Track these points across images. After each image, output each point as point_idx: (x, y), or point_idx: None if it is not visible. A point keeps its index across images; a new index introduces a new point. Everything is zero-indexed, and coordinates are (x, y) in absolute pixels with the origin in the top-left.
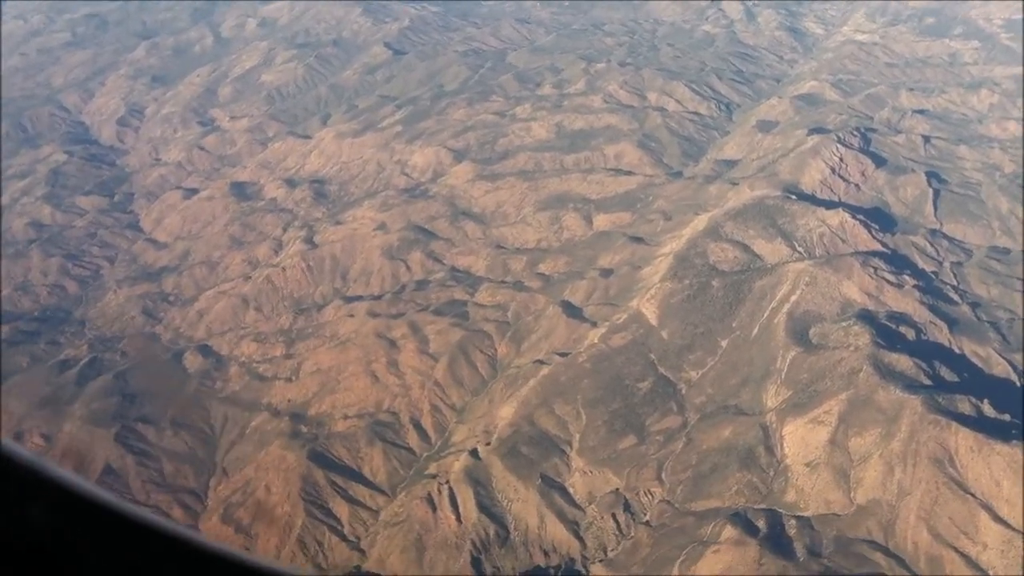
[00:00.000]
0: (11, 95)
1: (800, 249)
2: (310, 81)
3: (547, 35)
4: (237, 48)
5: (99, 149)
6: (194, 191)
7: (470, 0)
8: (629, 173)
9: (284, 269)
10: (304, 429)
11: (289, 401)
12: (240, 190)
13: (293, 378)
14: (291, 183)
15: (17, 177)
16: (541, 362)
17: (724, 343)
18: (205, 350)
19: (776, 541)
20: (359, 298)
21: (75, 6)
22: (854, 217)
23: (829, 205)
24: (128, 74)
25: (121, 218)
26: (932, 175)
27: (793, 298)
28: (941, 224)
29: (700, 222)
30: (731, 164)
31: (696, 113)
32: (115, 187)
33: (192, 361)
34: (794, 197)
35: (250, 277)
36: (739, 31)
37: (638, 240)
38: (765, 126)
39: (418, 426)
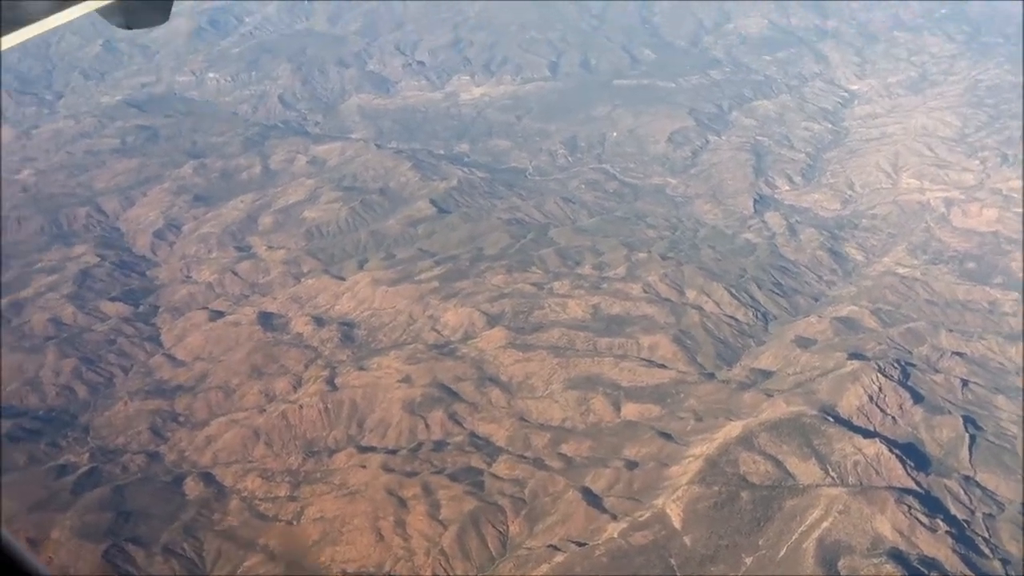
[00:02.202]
0: (51, 191)
1: (833, 474)
2: (352, 224)
3: (590, 217)
4: (284, 181)
5: (131, 257)
6: (221, 314)
7: (517, 171)
8: (662, 366)
9: (301, 407)
10: None
11: (287, 546)
12: (267, 320)
13: (295, 522)
14: (319, 321)
15: (45, 272)
16: (555, 548)
17: (749, 560)
18: (208, 478)
19: None
20: (373, 449)
21: (129, 114)
22: (890, 450)
23: (866, 434)
24: (171, 189)
25: (143, 329)
26: (969, 420)
27: (825, 524)
28: (975, 471)
29: (733, 429)
30: (766, 375)
31: (733, 318)
32: (141, 298)
33: (193, 487)
34: (831, 419)
35: (265, 410)
36: (780, 245)
37: (667, 436)
38: (804, 343)
39: None
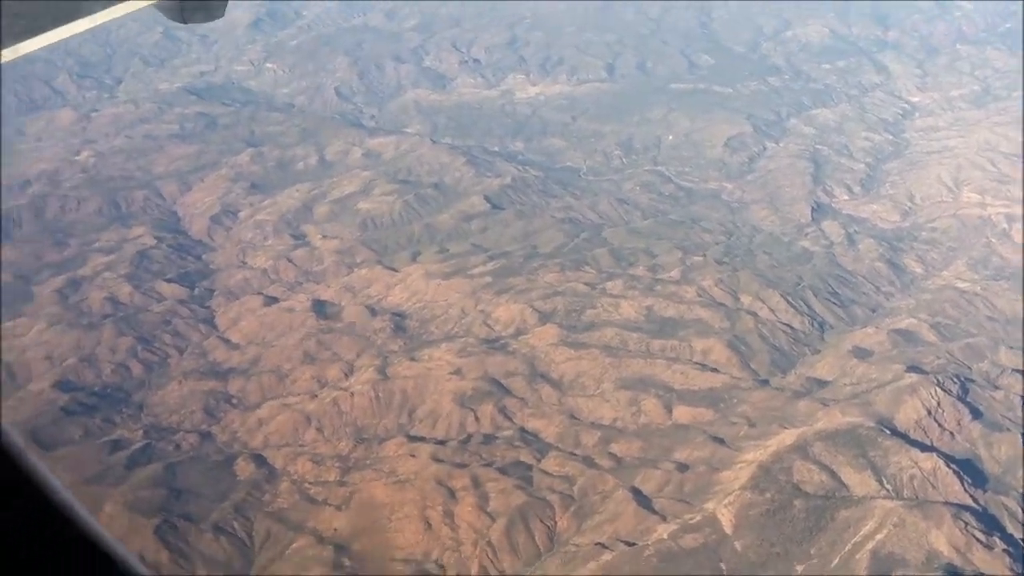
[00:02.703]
0: (110, 173)
1: (888, 487)
2: (406, 217)
3: (644, 219)
4: (339, 172)
5: (188, 241)
6: (275, 300)
7: (571, 171)
8: (715, 370)
9: (352, 394)
10: (347, 563)
11: (335, 530)
12: (321, 308)
13: (343, 507)
14: (372, 311)
15: (103, 252)
16: (603, 546)
17: (800, 568)
18: (259, 459)
19: None
20: (423, 439)
21: (188, 101)
22: (948, 465)
23: (923, 448)
24: (228, 176)
25: (198, 311)
26: None
27: (879, 537)
28: None
29: (788, 437)
30: (821, 384)
31: (789, 325)
32: (197, 280)
33: (243, 468)
34: (887, 432)
35: (316, 395)
36: (838, 254)
37: (719, 440)
38: (861, 353)
39: None
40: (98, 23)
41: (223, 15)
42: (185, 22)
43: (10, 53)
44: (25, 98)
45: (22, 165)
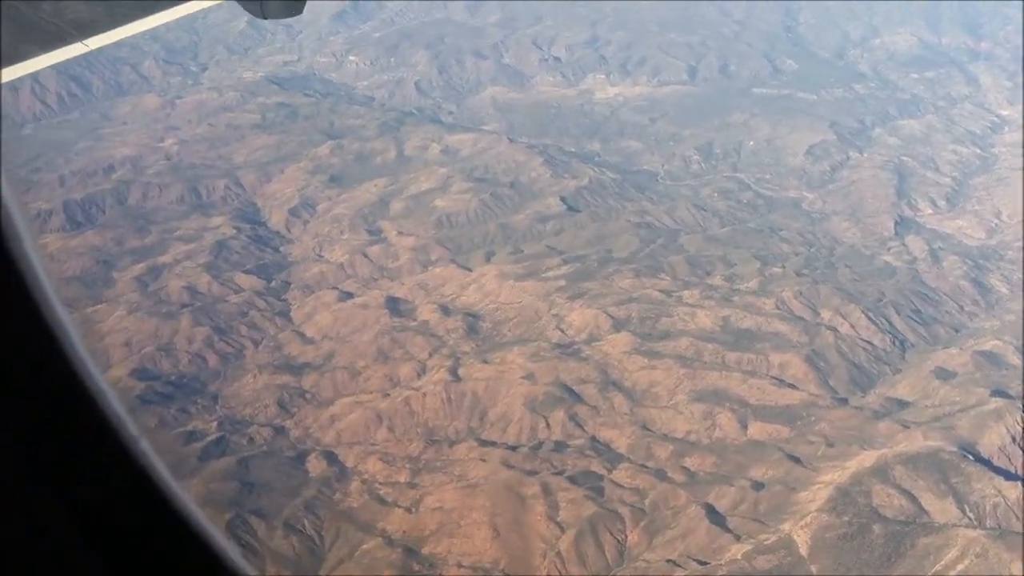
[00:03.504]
0: (192, 160)
1: (971, 515)
2: (481, 215)
3: (722, 227)
4: (416, 168)
5: (266, 232)
6: (350, 295)
7: (648, 174)
8: (792, 386)
9: (424, 395)
10: (416, 567)
11: (405, 532)
12: (395, 305)
13: (413, 509)
14: (445, 310)
15: (183, 240)
16: (674, 563)
17: None
18: (331, 457)
19: None
20: (494, 444)
21: (271, 91)
22: None
23: (1008, 476)
24: (308, 168)
25: (274, 304)
26: None
27: (960, 567)
28: None
29: (867, 458)
30: (902, 404)
31: (869, 342)
32: (274, 272)
33: (315, 465)
34: (971, 457)
35: (388, 394)
36: (921, 270)
37: (795, 459)
38: (943, 374)
39: None
40: (179, 16)
41: (301, 12)
42: (265, 17)
43: (95, 42)
44: (112, 82)
45: (106, 150)
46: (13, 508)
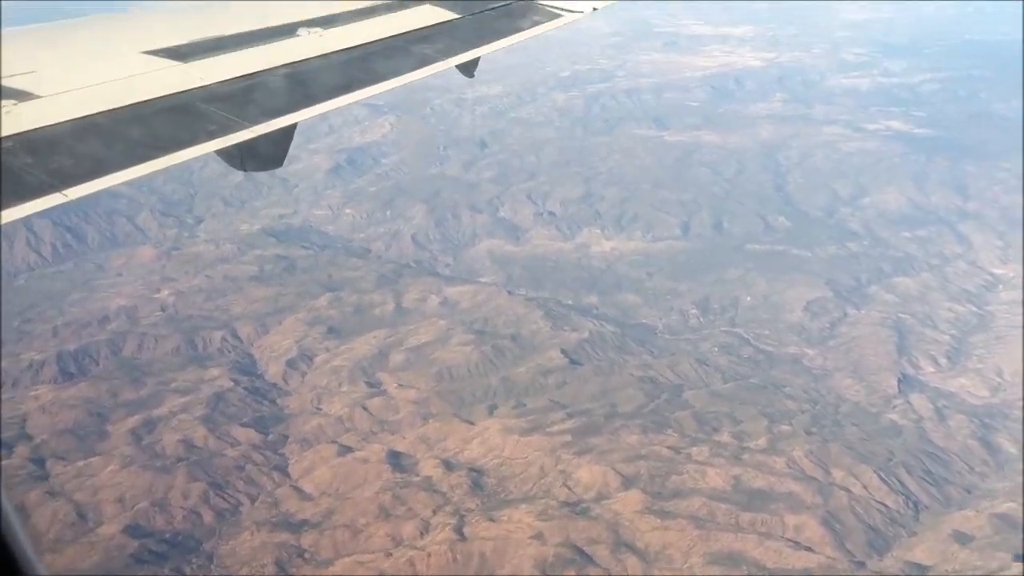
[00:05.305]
0: (189, 312)
1: None
2: (482, 368)
3: (724, 382)
4: (416, 320)
5: (263, 384)
6: (349, 449)
7: (647, 328)
8: (809, 549)
9: (429, 555)
10: None
11: None
12: (396, 460)
13: None
14: (448, 465)
15: (179, 392)
16: None
17: None
18: None
19: None
20: None
21: (268, 243)
22: None
23: None
24: (305, 319)
25: (271, 458)
26: None
27: None
28: None
29: None
30: (921, 569)
31: (883, 504)
32: (271, 425)
33: None
34: None
35: (391, 554)
36: (928, 429)
37: None
38: (962, 538)
39: None
40: (158, 168)
41: (281, 165)
42: (245, 170)
43: (76, 192)
44: (108, 233)
45: (101, 300)
46: None
